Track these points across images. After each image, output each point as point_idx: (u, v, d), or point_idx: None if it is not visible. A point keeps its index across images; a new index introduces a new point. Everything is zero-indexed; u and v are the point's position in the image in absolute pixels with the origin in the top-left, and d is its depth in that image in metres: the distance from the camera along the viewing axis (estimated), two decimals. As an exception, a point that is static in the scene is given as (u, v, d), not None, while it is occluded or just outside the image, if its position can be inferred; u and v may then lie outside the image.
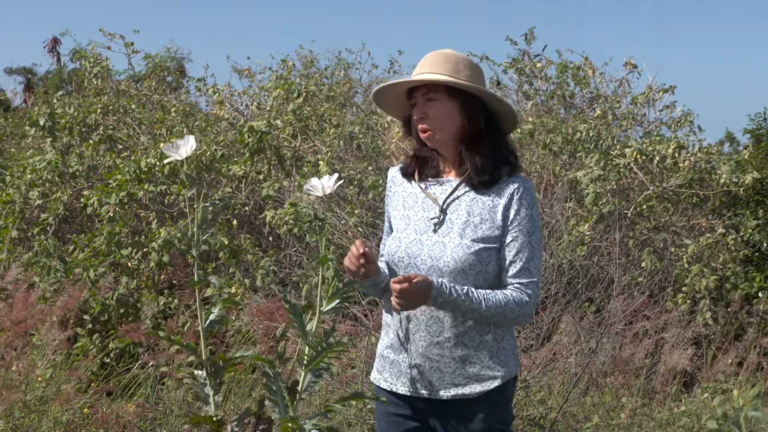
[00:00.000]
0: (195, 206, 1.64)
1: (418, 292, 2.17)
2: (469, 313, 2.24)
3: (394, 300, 2.19)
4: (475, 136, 2.33)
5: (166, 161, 1.64)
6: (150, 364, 4.76)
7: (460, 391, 2.29)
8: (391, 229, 2.46)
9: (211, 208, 6.61)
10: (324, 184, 2.00)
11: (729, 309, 6.25)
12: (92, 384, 4.71)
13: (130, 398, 4.74)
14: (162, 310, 5.78)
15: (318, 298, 1.72)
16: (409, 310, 2.24)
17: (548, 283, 4.91)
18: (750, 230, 6.86)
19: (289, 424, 1.41)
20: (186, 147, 1.70)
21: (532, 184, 2.37)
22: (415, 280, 2.16)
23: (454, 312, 2.25)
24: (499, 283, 2.31)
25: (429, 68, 2.31)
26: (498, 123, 2.37)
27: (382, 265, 2.41)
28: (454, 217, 2.31)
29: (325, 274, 1.66)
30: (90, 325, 5.63)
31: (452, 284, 2.22)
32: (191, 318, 5.59)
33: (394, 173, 2.48)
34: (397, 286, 2.16)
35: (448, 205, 2.33)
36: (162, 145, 1.67)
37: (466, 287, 2.23)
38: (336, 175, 1.93)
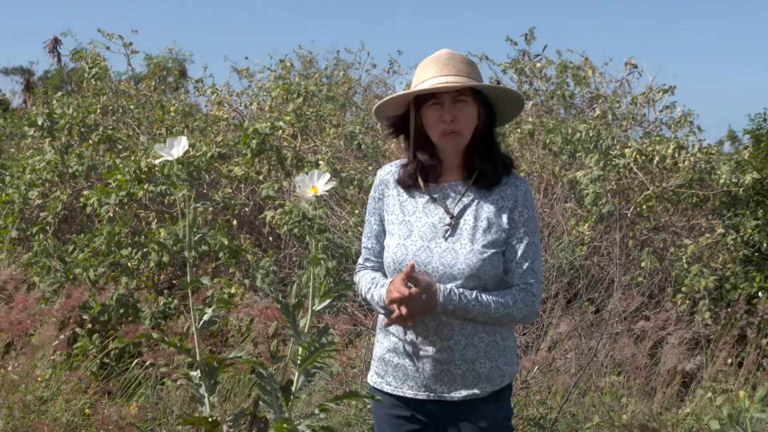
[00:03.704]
0: (186, 208, 1.63)
1: (417, 302, 2.19)
2: (479, 317, 2.25)
3: (396, 319, 2.21)
4: (485, 138, 2.34)
5: (158, 161, 1.64)
6: (148, 362, 4.76)
7: (471, 391, 2.30)
8: (383, 232, 2.42)
9: (210, 209, 6.62)
10: (314, 183, 1.94)
11: (729, 309, 6.25)
12: (92, 384, 4.70)
13: (129, 398, 4.74)
14: (162, 310, 5.78)
15: (310, 297, 1.71)
16: (415, 318, 2.25)
17: (548, 283, 4.91)
18: (750, 230, 6.86)
19: (284, 425, 1.41)
20: (178, 148, 1.69)
21: (528, 183, 2.39)
22: (413, 289, 2.18)
23: (464, 317, 2.25)
24: (504, 283, 2.33)
25: (450, 70, 2.29)
26: (495, 124, 2.38)
27: (375, 275, 2.41)
28: (462, 222, 2.30)
29: (316, 272, 1.65)
30: (90, 325, 5.63)
31: (461, 290, 2.23)
32: (191, 319, 5.59)
33: (383, 175, 2.44)
34: (403, 311, 2.19)
35: (460, 212, 2.32)
36: (156, 144, 1.66)
37: (475, 291, 2.24)
38: (327, 175, 1.89)
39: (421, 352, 2.30)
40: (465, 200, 2.33)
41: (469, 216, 2.30)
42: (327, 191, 1.87)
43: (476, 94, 2.31)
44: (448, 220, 2.31)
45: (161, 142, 1.77)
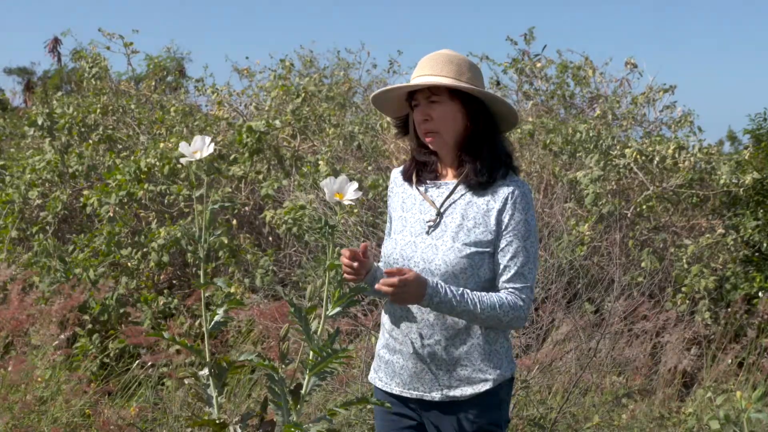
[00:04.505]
0: (202, 207, 1.63)
1: (412, 286, 2.16)
2: (464, 315, 2.24)
3: (385, 288, 2.16)
4: (476, 137, 2.33)
5: (183, 160, 1.65)
6: (149, 363, 4.75)
7: (450, 393, 2.30)
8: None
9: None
10: (340, 190, 1.94)
11: (729, 309, 6.25)
12: (92, 384, 4.70)
13: (129, 399, 4.74)
14: (162, 310, 5.77)
15: (324, 302, 1.71)
16: (401, 303, 2.24)
17: (548, 283, 4.90)
18: (750, 230, 6.86)
19: (293, 429, 1.40)
20: (204, 148, 1.70)
21: (528, 187, 2.36)
22: (409, 274, 2.16)
23: (449, 313, 2.25)
24: (492, 287, 2.31)
25: (430, 70, 2.30)
26: (497, 124, 2.37)
27: (381, 264, 2.43)
28: (449, 220, 2.32)
29: (331, 278, 1.64)
30: (90, 326, 5.62)
31: (447, 285, 2.23)
32: (191, 318, 5.58)
33: (395, 174, 2.50)
34: (393, 280, 2.15)
35: (446, 209, 2.33)
36: (181, 143, 1.67)
37: (461, 288, 2.24)
38: (355, 183, 1.89)
39: (405, 350, 2.32)
40: (454, 197, 2.33)
41: (456, 214, 2.31)
42: (354, 201, 1.88)
43: (456, 94, 2.30)
44: (433, 215, 2.32)
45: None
